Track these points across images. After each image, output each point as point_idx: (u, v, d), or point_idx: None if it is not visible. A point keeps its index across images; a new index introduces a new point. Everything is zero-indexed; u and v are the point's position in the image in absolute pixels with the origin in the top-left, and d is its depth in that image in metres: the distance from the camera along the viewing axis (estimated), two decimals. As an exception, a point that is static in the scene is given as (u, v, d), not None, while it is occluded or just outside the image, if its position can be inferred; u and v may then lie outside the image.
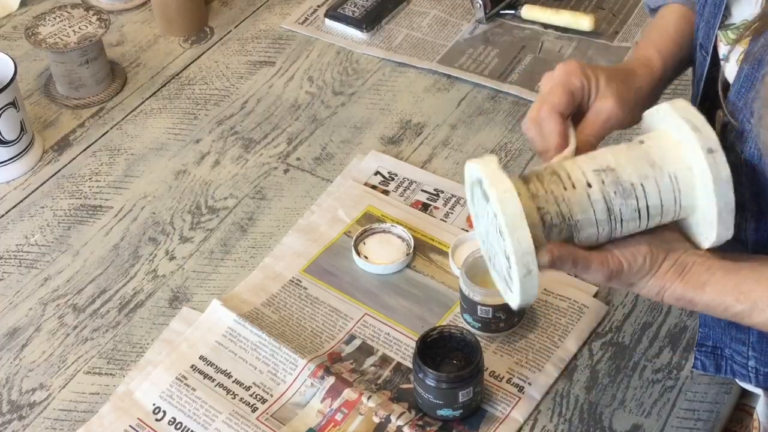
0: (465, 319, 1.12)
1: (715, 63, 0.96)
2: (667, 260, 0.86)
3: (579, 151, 0.90)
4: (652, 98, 1.00)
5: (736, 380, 1.05)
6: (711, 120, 0.98)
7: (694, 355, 1.04)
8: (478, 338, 1.05)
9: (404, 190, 1.31)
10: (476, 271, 1.10)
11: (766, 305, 0.84)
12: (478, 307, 1.09)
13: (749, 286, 0.85)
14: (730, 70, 0.93)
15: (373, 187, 1.31)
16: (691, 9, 1.05)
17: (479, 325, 1.10)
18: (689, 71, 1.09)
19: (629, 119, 0.95)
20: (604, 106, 0.93)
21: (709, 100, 1.00)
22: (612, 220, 0.84)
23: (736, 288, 0.85)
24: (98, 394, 1.09)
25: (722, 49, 0.94)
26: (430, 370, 1.01)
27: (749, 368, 1.00)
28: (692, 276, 0.86)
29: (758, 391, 1.07)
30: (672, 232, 0.88)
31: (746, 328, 0.97)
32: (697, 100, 1.01)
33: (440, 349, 1.05)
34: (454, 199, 1.29)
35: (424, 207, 1.28)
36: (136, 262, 1.24)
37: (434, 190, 1.30)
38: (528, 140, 0.94)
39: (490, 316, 1.09)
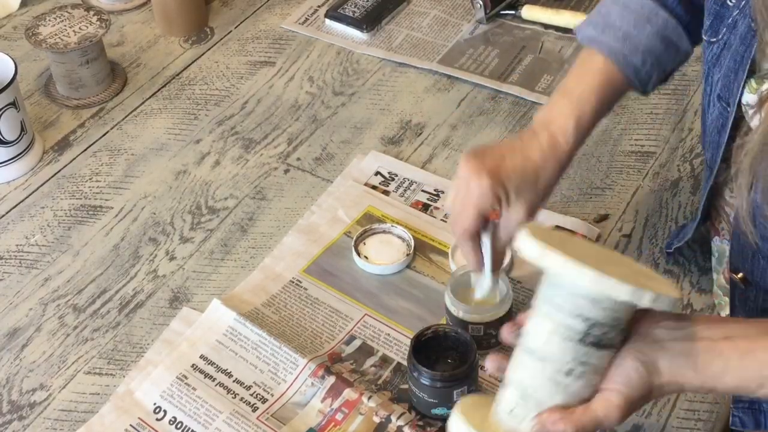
0: None
1: (741, 109, 0.95)
2: (664, 357, 0.79)
3: (494, 251, 1.01)
4: (562, 173, 1.04)
5: None
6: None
7: (731, 412, 1.01)
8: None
9: (404, 191, 1.31)
10: (463, 287, 1.09)
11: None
12: (469, 326, 1.07)
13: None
14: (755, 118, 0.92)
15: (374, 187, 1.31)
16: (613, 61, 1.04)
17: None
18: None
19: (539, 206, 1.02)
20: (513, 217, 0.99)
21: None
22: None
23: (758, 373, 0.78)
24: (98, 394, 1.09)
25: (746, 97, 0.93)
26: (425, 369, 1.01)
27: None
28: (705, 365, 0.79)
29: None
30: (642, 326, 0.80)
31: None
32: (720, 150, 1.00)
33: (435, 348, 1.05)
34: (454, 199, 1.29)
35: (425, 207, 1.28)
36: (137, 262, 1.24)
37: (434, 190, 1.30)
38: None
39: (482, 333, 1.08)
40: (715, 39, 0.98)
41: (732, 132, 0.97)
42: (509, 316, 1.08)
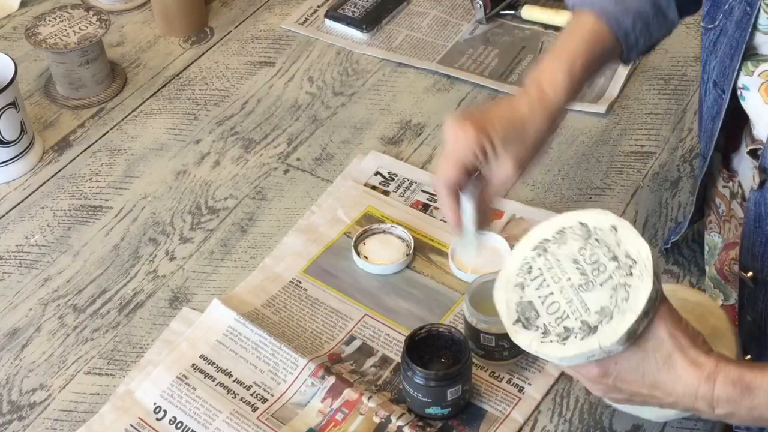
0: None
1: (734, 96, 0.95)
2: (710, 347, 0.83)
3: (481, 210, 1.00)
4: (553, 127, 1.02)
5: None
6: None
7: None
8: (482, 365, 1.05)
9: (404, 191, 1.31)
10: (481, 297, 1.07)
11: None
12: (481, 335, 1.07)
13: None
14: (750, 100, 0.93)
15: (373, 187, 1.31)
16: (605, 22, 1.04)
17: (482, 352, 1.08)
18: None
19: (530, 163, 1.00)
20: (501, 171, 0.98)
21: (732, 133, 0.99)
22: None
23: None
24: (98, 394, 1.09)
25: (742, 80, 0.93)
26: (419, 369, 1.01)
27: None
28: (746, 361, 0.83)
29: None
30: None
31: None
32: (714, 139, 1.00)
33: (428, 348, 1.05)
34: (454, 199, 1.29)
35: (425, 207, 1.28)
36: (137, 262, 1.24)
37: (434, 190, 1.30)
38: None
39: (494, 344, 1.07)
40: (712, 25, 0.98)
41: (725, 119, 0.97)
42: None
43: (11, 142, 1.33)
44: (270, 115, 1.45)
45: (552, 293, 0.84)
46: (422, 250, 1.22)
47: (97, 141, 1.42)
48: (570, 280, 0.84)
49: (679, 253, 1.19)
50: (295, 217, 1.28)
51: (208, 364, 1.10)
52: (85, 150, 1.40)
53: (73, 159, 1.39)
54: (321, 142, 1.40)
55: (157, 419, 1.06)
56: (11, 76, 1.31)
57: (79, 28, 1.44)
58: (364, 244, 1.22)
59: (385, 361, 1.11)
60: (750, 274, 0.96)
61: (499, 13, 1.60)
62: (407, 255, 1.20)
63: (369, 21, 1.58)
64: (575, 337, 0.81)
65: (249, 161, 1.37)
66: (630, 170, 1.32)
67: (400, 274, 1.20)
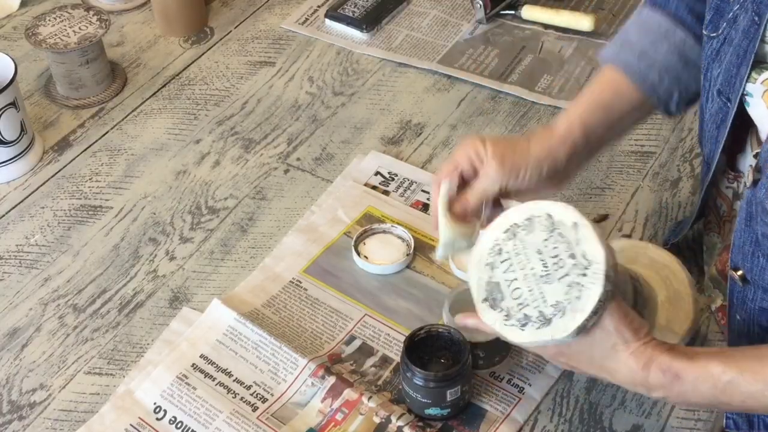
0: None
1: (739, 102, 0.95)
2: (651, 337, 0.89)
3: (455, 208, 1.00)
4: (570, 162, 1.05)
5: None
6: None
7: (725, 415, 1.01)
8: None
9: (404, 191, 1.31)
10: (460, 305, 1.06)
11: (755, 374, 0.84)
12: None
13: (734, 355, 0.87)
14: (754, 107, 0.93)
15: (374, 187, 1.31)
16: (629, 76, 1.07)
17: None
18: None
19: (524, 179, 1.02)
20: (485, 171, 1.01)
21: (738, 135, 1.00)
22: None
23: (721, 355, 0.87)
24: (98, 394, 1.09)
25: (745, 86, 0.94)
26: (418, 370, 1.01)
27: None
28: (680, 349, 0.89)
29: None
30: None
31: None
32: (720, 146, 1.00)
33: (428, 348, 1.05)
34: (454, 199, 1.29)
35: (425, 207, 1.28)
36: (137, 262, 1.24)
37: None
38: None
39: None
40: (715, 34, 0.98)
41: (732, 127, 0.97)
42: (501, 341, 1.04)
43: (11, 142, 1.33)
44: (270, 115, 1.45)
45: (516, 279, 0.89)
46: (422, 250, 1.22)
47: (97, 141, 1.42)
48: (533, 269, 0.88)
49: (679, 253, 1.19)
50: (295, 217, 1.28)
51: (208, 363, 1.10)
52: (85, 150, 1.40)
53: (73, 159, 1.39)
54: (321, 142, 1.40)
55: (157, 419, 1.06)
56: (11, 76, 1.31)
57: (79, 28, 1.44)
58: (365, 244, 1.22)
59: (385, 361, 1.11)
60: (740, 273, 0.97)
61: (499, 13, 1.60)
62: (407, 255, 1.20)
63: (369, 21, 1.58)
64: (532, 325, 0.87)
65: (249, 161, 1.37)
66: (630, 170, 1.33)
67: (400, 274, 1.20)
